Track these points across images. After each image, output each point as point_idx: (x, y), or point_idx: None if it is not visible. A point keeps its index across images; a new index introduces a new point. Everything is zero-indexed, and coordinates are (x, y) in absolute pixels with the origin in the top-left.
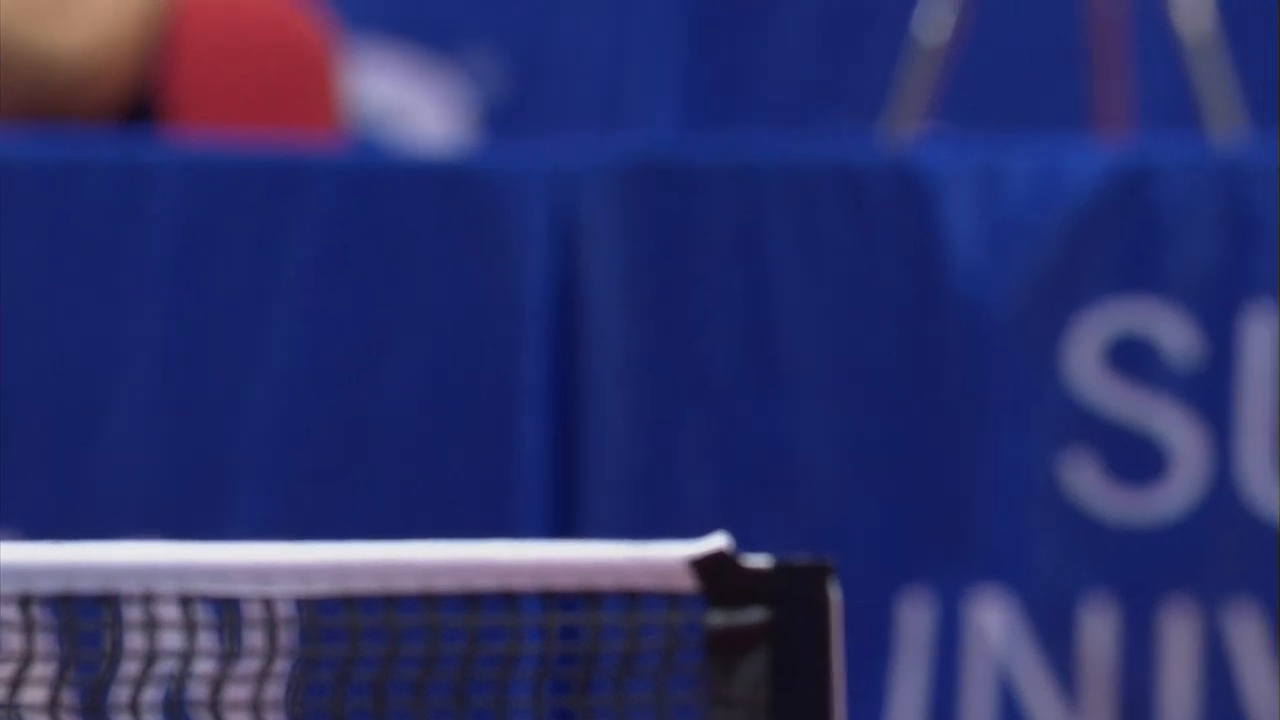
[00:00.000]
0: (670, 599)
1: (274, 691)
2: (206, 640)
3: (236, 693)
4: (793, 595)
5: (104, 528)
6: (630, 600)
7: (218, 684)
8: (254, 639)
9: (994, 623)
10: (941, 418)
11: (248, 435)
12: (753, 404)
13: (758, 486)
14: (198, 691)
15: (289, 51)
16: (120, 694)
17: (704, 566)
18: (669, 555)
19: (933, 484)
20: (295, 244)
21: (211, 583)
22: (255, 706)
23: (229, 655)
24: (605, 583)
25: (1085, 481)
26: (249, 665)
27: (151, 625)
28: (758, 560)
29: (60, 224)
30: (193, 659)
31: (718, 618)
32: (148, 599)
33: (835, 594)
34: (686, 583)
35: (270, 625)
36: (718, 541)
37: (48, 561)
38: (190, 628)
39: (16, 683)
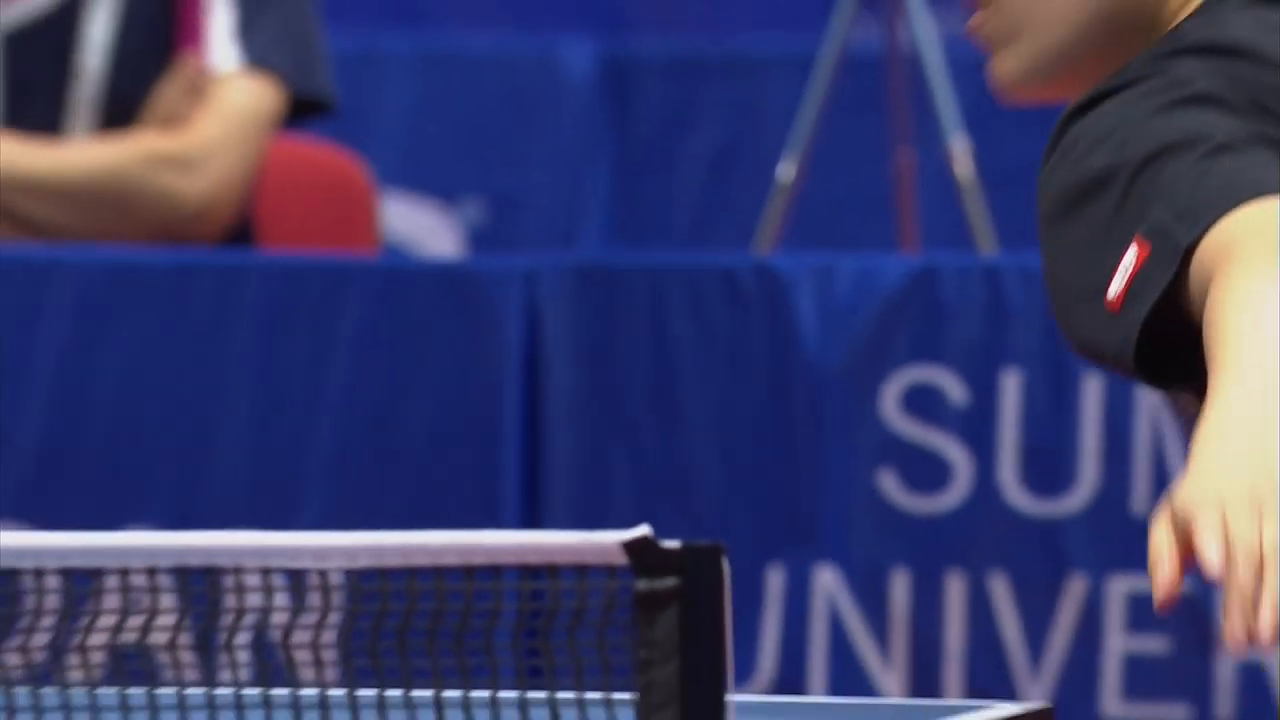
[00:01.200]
0: (609, 571)
1: (328, 638)
2: (280, 601)
3: (301, 638)
4: (696, 568)
5: (211, 522)
6: (580, 572)
7: (287, 632)
8: (313, 601)
9: (830, 588)
10: (794, 445)
11: (313, 458)
12: (661, 438)
13: (666, 494)
14: (274, 637)
15: (339, 188)
16: (220, 639)
17: (632, 548)
18: (607, 540)
19: (789, 491)
20: (344, 322)
21: (284, 560)
22: (315, 648)
23: (296, 611)
24: (562, 559)
25: (892, 487)
26: (310, 619)
27: (240, 590)
28: (670, 543)
29: (178, 311)
30: (270, 614)
31: (642, 584)
32: (238, 571)
33: (725, 567)
34: (620, 559)
35: (325, 591)
36: (642, 530)
37: (169, 544)
38: (268, 591)
39: (146, 629)
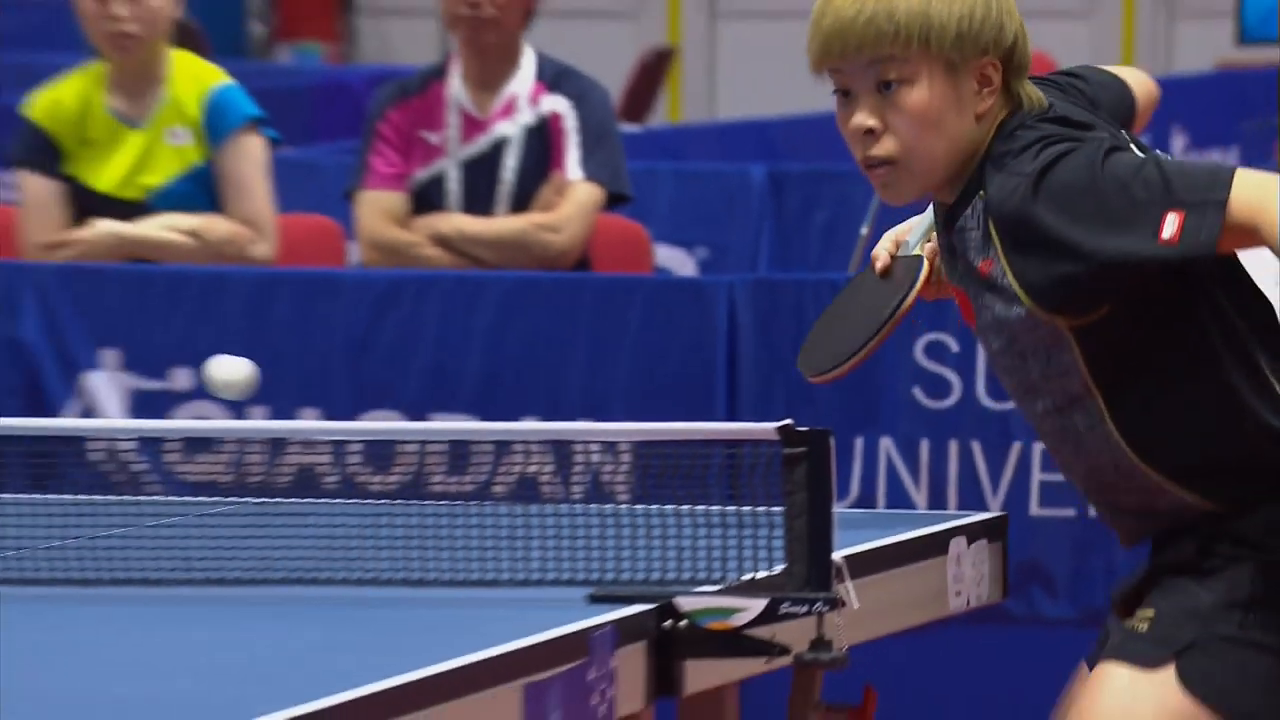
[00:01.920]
0: (770, 444)
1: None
2: (604, 459)
3: (615, 476)
4: (815, 440)
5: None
6: (755, 445)
7: (599, 475)
8: (625, 459)
9: (888, 449)
10: (871, 370)
11: (615, 393)
12: (800, 377)
13: (804, 403)
14: (605, 479)
15: (631, 240)
16: (576, 478)
17: (782, 430)
18: (769, 427)
19: (866, 397)
20: (633, 313)
21: (610, 438)
22: (629, 482)
23: (609, 464)
24: (748, 436)
25: (920, 395)
26: (622, 467)
27: (586, 453)
28: (801, 428)
29: (557, 306)
30: (602, 467)
31: (787, 451)
32: (585, 444)
33: (831, 440)
34: (775, 437)
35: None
36: (786, 421)
37: (558, 430)
38: (601, 453)
39: (539, 473)
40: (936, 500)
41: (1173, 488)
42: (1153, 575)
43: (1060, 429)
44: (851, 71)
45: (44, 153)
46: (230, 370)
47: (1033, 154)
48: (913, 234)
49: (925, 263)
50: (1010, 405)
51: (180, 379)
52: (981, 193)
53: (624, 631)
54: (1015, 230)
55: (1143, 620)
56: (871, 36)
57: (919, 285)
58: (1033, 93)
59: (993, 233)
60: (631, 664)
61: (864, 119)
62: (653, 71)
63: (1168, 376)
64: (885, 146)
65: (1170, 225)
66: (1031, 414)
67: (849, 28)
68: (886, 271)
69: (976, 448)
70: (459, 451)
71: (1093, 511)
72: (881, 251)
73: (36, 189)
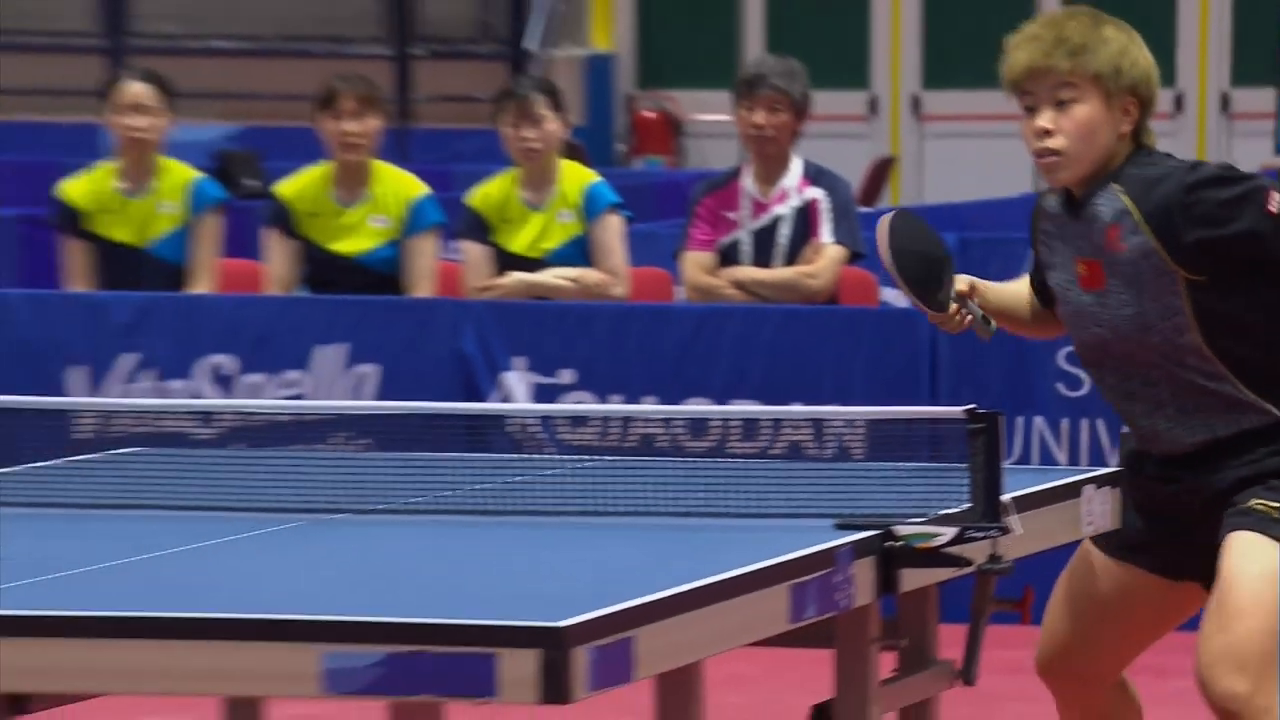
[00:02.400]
0: (959, 421)
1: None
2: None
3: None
4: (990, 419)
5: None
6: (951, 422)
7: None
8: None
9: (1040, 427)
10: (1026, 370)
11: (856, 376)
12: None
13: (979, 394)
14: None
15: (864, 284)
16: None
17: (968, 412)
18: (957, 410)
19: (1025, 393)
20: (870, 329)
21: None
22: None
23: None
24: (944, 418)
25: (1062, 386)
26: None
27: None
28: (982, 410)
29: (816, 323)
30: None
31: (970, 426)
32: (780, 421)
33: (1002, 419)
34: (962, 417)
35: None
36: (970, 406)
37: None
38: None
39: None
40: (1073, 459)
41: (1256, 401)
42: (1243, 481)
43: (1163, 360)
44: (1037, 92)
45: (478, 228)
46: None
47: (1180, 163)
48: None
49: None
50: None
51: (565, 376)
52: (1115, 186)
53: (859, 549)
54: (1167, 209)
55: (1271, 508)
56: (1056, 70)
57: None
58: (1152, 133)
59: (1131, 209)
60: (864, 572)
61: (1044, 123)
62: (880, 171)
63: (1259, 315)
64: (1056, 142)
65: (1274, 202)
66: (1135, 362)
67: (1041, 63)
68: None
69: (1100, 424)
70: (749, 426)
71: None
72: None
73: (473, 252)
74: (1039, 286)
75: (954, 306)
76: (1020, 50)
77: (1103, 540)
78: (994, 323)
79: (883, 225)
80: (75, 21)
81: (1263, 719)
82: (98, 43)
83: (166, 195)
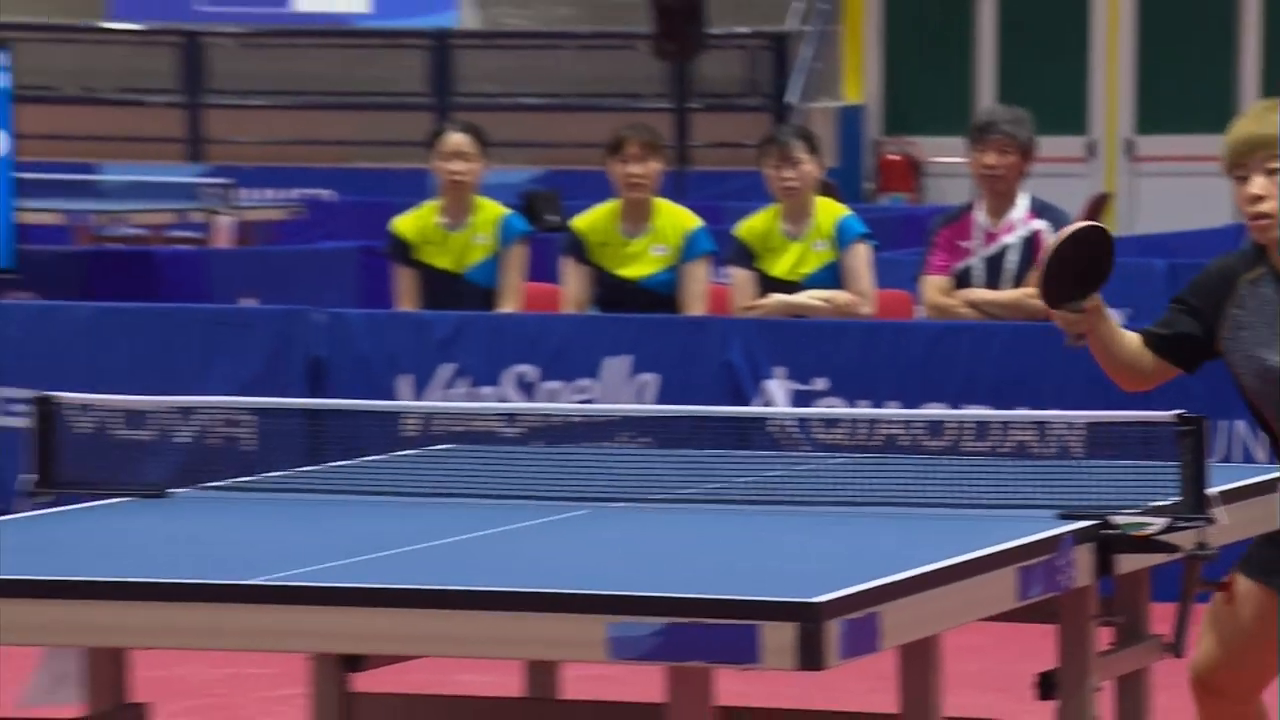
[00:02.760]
0: (1171, 424)
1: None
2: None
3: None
4: (1196, 423)
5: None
6: (1161, 425)
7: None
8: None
9: (1241, 430)
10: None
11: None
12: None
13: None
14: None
15: None
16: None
17: (1179, 417)
18: (1169, 415)
19: (1223, 402)
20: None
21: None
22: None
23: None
24: (1162, 421)
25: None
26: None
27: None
28: (1188, 415)
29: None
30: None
31: (1181, 427)
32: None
33: (1207, 423)
34: (1174, 420)
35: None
36: (1179, 411)
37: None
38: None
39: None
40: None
41: None
42: None
43: None
44: (1250, 165)
45: (744, 256)
46: None
47: None
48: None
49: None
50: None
51: (819, 384)
52: None
53: (1079, 537)
54: None
55: None
56: (1268, 149)
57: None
58: None
59: None
60: (1083, 556)
61: (1257, 190)
62: (1096, 206)
63: None
64: (1267, 206)
65: None
66: None
67: (1254, 144)
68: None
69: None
70: (980, 427)
71: None
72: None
73: (740, 276)
74: (1168, 341)
75: (1075, 317)
76: (1238, 130)
77: (1246, 564)
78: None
79: (1074, 227)
80: (409, 84)
81: None
82: (427, 101)
83: (480, 229)
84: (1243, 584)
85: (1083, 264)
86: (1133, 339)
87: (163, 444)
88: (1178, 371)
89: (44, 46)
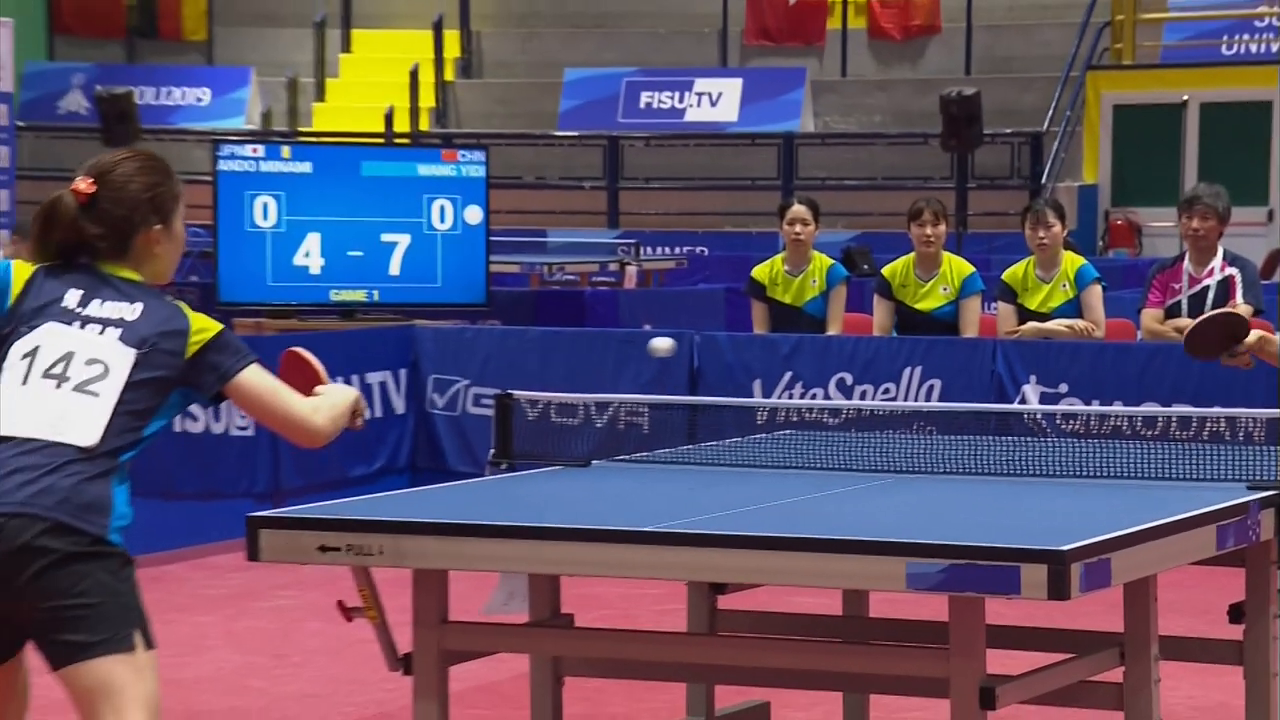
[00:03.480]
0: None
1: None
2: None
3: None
4: None
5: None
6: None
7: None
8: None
9: None
10: None
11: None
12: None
13: None
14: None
15: None
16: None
17: None
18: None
19: None
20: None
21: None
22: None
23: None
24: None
25: None
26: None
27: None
28: None
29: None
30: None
31: None
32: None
33: None
34: None
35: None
36: None
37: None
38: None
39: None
40: None
41: None
42: None
43: None
44: None
45: (1008, 294)
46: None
47: None
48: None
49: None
50: None
51: (1062, 388)
52: None
53: (1264, 503)
54: None
55: None
56: None
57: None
58: None
59: None
60: (1267, 518)
61: None
62: (1275, 258)
63: None
64: None
65: None
66: None
67: None
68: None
69: None
70: (1183, 421)
71: None
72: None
73: (1004, 309)
74: None
75: (1231, 361)
76: None
77: None
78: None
79: (1204, 317)
80: (765, 171)
81: None
82: (776, 183)
83: (814, 275)
84: None
85: (1218, 332)
86: None
87: (586, 428)
88: None
89: (511, 148)
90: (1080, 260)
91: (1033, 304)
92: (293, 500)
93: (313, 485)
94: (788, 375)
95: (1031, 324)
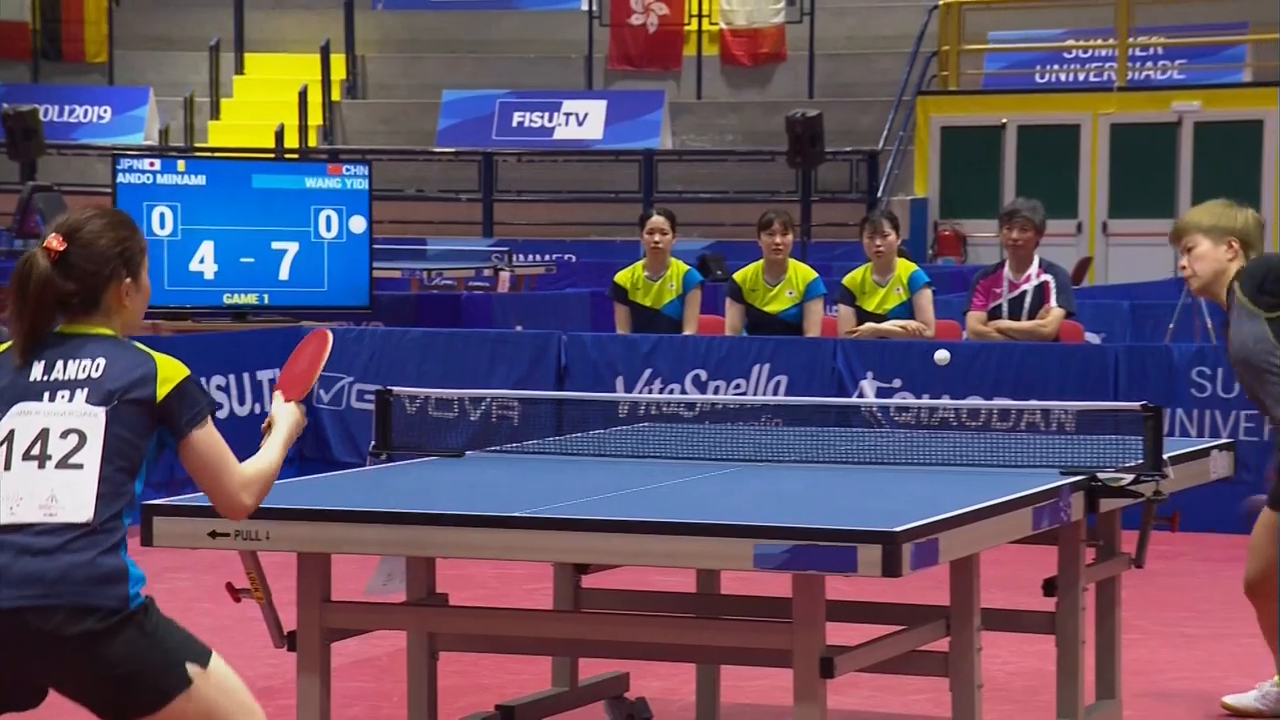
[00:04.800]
0: (1138, 412)
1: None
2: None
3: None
4: (1155, 411)
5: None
6: (1130, 412)
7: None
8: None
9: None
10: None
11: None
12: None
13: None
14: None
15: (1075, 333)
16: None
17: (1143, 407)
18: (1137, 405)
19: None
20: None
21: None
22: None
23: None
24: (1128, 409)
25: None
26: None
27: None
28: (1150, 405)
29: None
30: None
31: (1145, 415)
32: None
33: (1164, 415)
34: (1139, 409)
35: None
36: (1143, 403)
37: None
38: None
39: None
40: (1200, 434)
41: None
42: None
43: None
44: (1180, 243)
45: (847, 297)
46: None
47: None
48: None
49: None
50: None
51: (896, 383)
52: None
53: (1074, 487)
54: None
55: None
56: (1188, 233)
57: None
58: None
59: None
60: (1077, 500)
61: (1183, 261)
62: (1083, 265)
63: None
64: (1187, 271)
65: None
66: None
67: (1180, 230)
68: None
69: (1216, 414)
70: (1003, 414)
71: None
72: None
73: (844, 311)
74: None
75: None
76: (1180, 219)
77: (1273, 500)
78: None
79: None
80: (627, 185)
81: None
82: (638, 195)
83: (672, 280)
84: (1266, 514)
85: None
86: None
87: (461, 421)
88: None
89: (393, 163)
90: (912, 266)
91: (870, 306)
92: (187, 489)
93: None
94: (648, 372)
95: (868, 325)
